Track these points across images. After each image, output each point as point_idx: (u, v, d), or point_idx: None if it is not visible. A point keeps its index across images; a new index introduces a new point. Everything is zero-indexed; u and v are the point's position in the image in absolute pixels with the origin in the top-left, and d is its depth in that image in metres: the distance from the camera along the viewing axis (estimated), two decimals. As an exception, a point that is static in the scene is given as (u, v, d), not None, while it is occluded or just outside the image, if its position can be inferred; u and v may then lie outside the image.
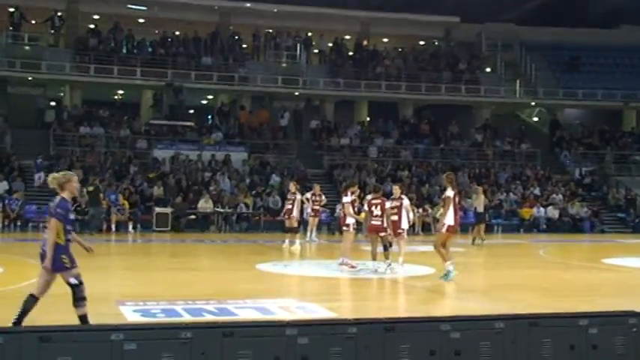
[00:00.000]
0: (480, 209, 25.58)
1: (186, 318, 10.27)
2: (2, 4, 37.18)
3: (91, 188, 27.71)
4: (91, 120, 35.22)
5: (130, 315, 10.38)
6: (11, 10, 36.66)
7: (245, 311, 10.86)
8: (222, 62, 38.38)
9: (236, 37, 40.33)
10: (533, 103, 43.28)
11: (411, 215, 17.19)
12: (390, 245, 16.38)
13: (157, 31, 39.88)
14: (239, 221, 30.56)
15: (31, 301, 8.89)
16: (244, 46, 40.86)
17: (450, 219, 14.56)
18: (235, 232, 29.49)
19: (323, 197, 25.06)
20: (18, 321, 8.72)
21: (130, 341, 6.72)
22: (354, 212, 17.14)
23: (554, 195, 35.12)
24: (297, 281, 15.79)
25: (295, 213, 22.34)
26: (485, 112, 42.00)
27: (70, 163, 31.45)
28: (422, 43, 45.41)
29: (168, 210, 29.08)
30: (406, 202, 16.95)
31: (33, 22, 37.48)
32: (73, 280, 8.76)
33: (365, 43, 42.81)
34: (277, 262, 18.38)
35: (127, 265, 18.27)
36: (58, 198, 8.81)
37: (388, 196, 17.85)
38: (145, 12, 40.05)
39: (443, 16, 42.97)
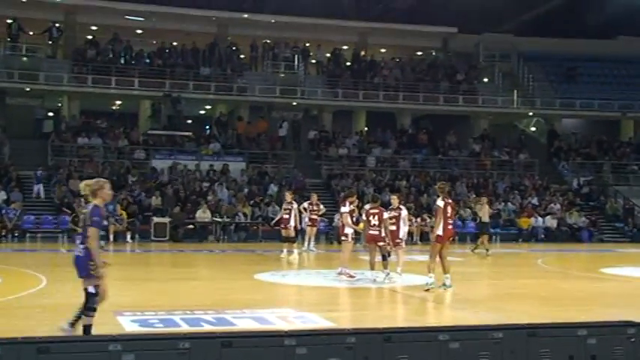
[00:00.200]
0: (485, 219, 25.43)
1: (185, 328, 10.27)
2: (0, 15, 37.24)
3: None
4: (89, 130, 35.22)
5: (128, 325, 10.38)
6: (9, 21, 36.71)
7: (243, 321, 10.85)
8: (220, 73, 38.42)
9: (234, 48, 40.39)
10: (530, 114, 43.34)
11: (406, 228, 17.11)
12: (389, 255, 16.38)
13: (154, 42, 39.94)
14: (237, 231, 30.54)
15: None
16: (242, 56, 40.93)
17: (439, 229, 14.58)
18: (233, 241, 29.46)
19: (321, 206, 25.05)
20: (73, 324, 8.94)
21: (127, 352, 6.72)
22: (353, 222, 17.14)
23: (552, 205, 35.14)
24: (296, 291, 15.77)
25: (292, 222, 22.31)
26: (483, 122, 42.07)
27: (68, 173, 31.48)
28: (420, 53, 45.53)
29: (167, 220, 29.08)
30: (404, 212, 16.98)
31: (31, 33, 37.52)
32: (91, 289, 8.88)
33: (363, 53, 42.90)
34: (275, 272, 18.35)
35: (125, 275, 18.20)
36: (90, 205, 8.95)
37: (386, 206, 17.85)
38: (143, 23, 40.13)
39: (441, 27, 43.07)
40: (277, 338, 7.30)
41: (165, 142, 35.51)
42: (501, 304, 14.04)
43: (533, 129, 45.77)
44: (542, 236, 33.37)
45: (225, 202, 31.44)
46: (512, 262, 23.49)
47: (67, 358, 6.62)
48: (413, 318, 12.51)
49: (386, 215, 16.28)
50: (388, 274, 15.92)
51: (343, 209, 17.04)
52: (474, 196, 34.77)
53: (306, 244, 24.72)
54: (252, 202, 31.78)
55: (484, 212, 25.28)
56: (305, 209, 24.18)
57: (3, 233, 27.69)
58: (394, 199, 17.25)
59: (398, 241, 16.63)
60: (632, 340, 8.01)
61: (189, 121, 39.14)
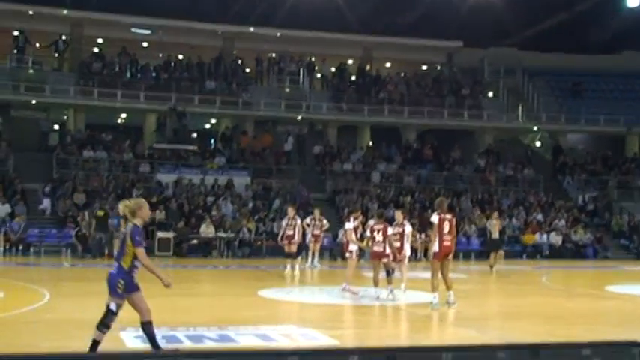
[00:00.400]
0: (495, 235, 25.19)
1: (187, 344, 10.25)
2: (7, 28, 37.41)
3: (101, 213, 27.78)
4: (94, 144, 35.25)
5: (131, 341, 10.35)
6: (16, 34, 36.85)
7: (246, 338, 10.82)
8: (225, 87, 38.51)
9: (239, 62, 40.52)
10: (535, 129, 43.32)
11: (408, 245, 17.03)
12: (393, 271, 16.32)
13: (160, 56, 40.05)
14: (241, 246, 30.44)
15: (147, 326, 9.17)
16: (247, 70, 41.04)
17: (435, 245, 14.57)
18: (237, 257, 29.40)
19: (324, 222, 24.89)
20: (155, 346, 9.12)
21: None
22: (357, 238, 17.10)
23: (557, 221, 35.02)
24: (299, 308, 15.73)
25: (297, 238, 22.30)
26: (488, 137, 42.02)
27: (73, 186, 31.50)
28: (425, 67, 45.56)
29: (171, 235, 29.04)
30: (408, 228, 16.92)
31: (37, 45, 37.71)
32: (112, 306, 9.01)
33: (368, 67, 42.97)
34: (279, 289, 18.31)
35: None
36: (130, 225, 9.13)
37: (391, 221, 17.80)
38: (149, 36, 40.27)
39: (446, 41, 43.14)
40: (280, 356, 7.26)
41: (170, 156, 35.52)
42: (505, 322, 13.98)
43: (538, 144, 45.72)
44: (547, 253, 33.25)
45: (229, 217, 31.41)
46: (516, 280, 23.41)
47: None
48: (416, 336, 12.46)
49: (390, 231, 16.23)
50: (392, 290, 15.87)
51: (348, 225, 17.02)
52: (479, 212, 34.71)
53: (309, 259, 24.66)
54: (256, 217, 31.72)
55: (494, 228, 25.05)
56: (308, 225, 24.09)
57: (7, 246, 27.68)
58: (398, 215, 17.20)
59: (402, 257, 16.57)
60: (637, 360, 7.95)
61: (195, 135, 39.18)
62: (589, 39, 43.88)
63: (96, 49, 39.50)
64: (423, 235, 30.03)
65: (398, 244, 16.41)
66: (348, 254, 17.17)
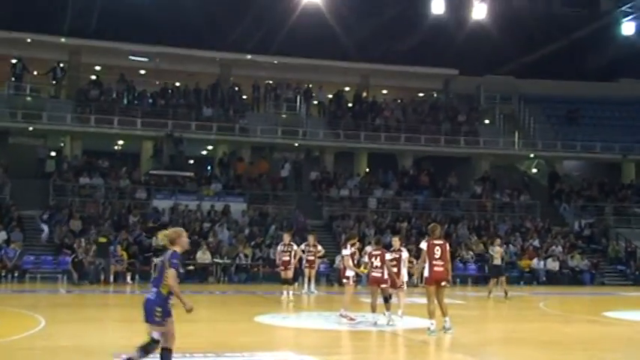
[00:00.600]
0: (497, 262, 25.04)
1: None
2: (5, 55, 37.56)
3: (103, 240, 27.70)
4: (90, 170, 35.25)
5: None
6: (14, 61, 37.02)
7: (243, 365, 10.75)
8: (222, 113, 38.62)
9: (236, 89, 40.67)
10: (532, 155, 43.42)
11: (405, 271, 16.98)
12: (390, 297, 16.29)
13: (157, 82, 40.21)
14: (238, 272, 30.38)
15: (166, 355, 9.24)
16: (244, 97, 41.18)
17: (425, 271, 14.61)
18: (234, 283, 29.31)
19: (319, 247, 24.83)
20: None
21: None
22: (354, 265, 17.08)
23: (553, 247, 35.00)
24: (296, 334, 15.65)
25: (293, 264, 22.30)
26: (485, 163, 42.08)
27: (69, 213, 31.45)
28: (421, 94, 45.79)
29: (167, 261, 28.86)
30: (405, 254, 16.91)
31: (35, 73, 37.82)
32: (155, 336, 9.18)
33: (364, 94, 43.13)
34: (276, 315, 18.24)
35: (124, 317, 18.13)
36: (169, 251, 9.28)
37: (388, 247, 17.78)
38: (147, 63, 40.46)
39: (442, 69, 43.41)
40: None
41: (167, 182, 35.52)
42: (502, 349, 13.94)
43: (534, 170, 45.81)
44: (544, 279, 33.19)
45: (225, 243, 31.35)
46: (513, 305, 23.33)
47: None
48: (414, 362, 12.40)
49: (388, 257, 16.22)
50: (390, 316, 15.83)
51: (345, 252, 16.99)
52: (476, 238, 34.73)
53: (305, 285, 24.59)
54: (252, 243, 31.68)
55: (497, 255, 24.94)
56: (303, 251, 24.05)
57: (3, 273, 27.53)
58: (395, 241, 17.19)
59: (399, 283, 16.55)
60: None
61: (191, 162, 39.23)
62: (585, 66, 44.17)
63: (93, 77, 39.64)
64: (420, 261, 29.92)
65: (395, 269, 16.40)
66: (345, 280, 17.12)
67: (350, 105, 42.34)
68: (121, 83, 38.57)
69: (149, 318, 9.13)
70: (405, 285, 17.15)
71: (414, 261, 28.02)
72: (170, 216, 32.94)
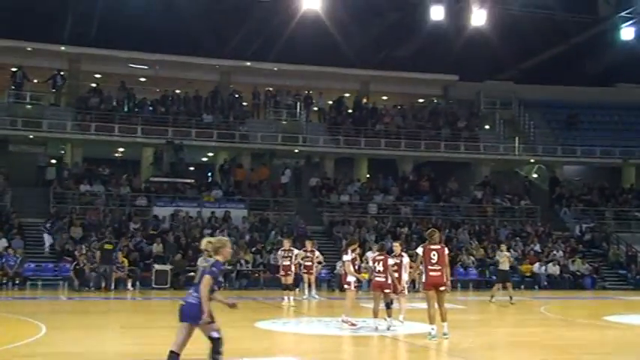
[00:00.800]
0: (504, 267, 24.91)
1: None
2: (5, 64, 37.61)
3: (109, 246, 27.71)
4: (91, 177, 35.28)
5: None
6: (14, 69, 37.07)
7: (244, 370, 10.75)
8: (222, 120, 38.66)
9: (236, 96, 40.69)
10: (532, 160, 43.43)
11: (406, 276, 16.98)
12: (392, 302, 16.30)
13: (158, 90, 40.25)
14: (239, 278, 30.41)
15: (173, 358, 9.43)
16: (245, 104, 41.20)
17: (422, 276, 14.65)
18: (235, 289, 29.30)
19: (316, 253, 24.76)
20: None
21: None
22: (355, 270, 17.08)
23: (554, 252, 35.00)
24: (297, 339, 15.66)
25: (293, 270, 22.35)
26: (485, 169, 42.10)
27: (69, 220, 31.47)
28: (421, 100, 45.80)
29: (168, 267, 28.97)
30: (406, 259, 16.91)
31: (35, 81, 37.87)
32: (215, 334, 9.33)
33: (364, 100, 43.15)
34: (277, 320, 18.24)
35: (125, 323, 18.14)
36: (212, 260, 9.52)
37: (390, 253, 17.78)
38: (147, 71, 40.51)
39: (442, 75, 43.47)
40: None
41: (167, 189, 35.54)
42: (504, 353, 13.94)
43: (534, 175, 45.83)
44: (545, 283, 33.18)
45: (226, 249, 31.28)
46: (515, 310, 23.31)
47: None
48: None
49: (391, 262, 16.24)
50: (391, 322, 15.83)
51: (345, 257, 16.99)
52: (476, 243, 34.76)
53: (306, 291, 24.58)
54: (253, 249, 31.69)
55: (504, 260, 24.89)
56: (301, 257, 24.04)
57: (4, 281, 27.55)
58: (396, 247, 17.20)
59: (400, 288, 16.56)
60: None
61: (192, 169, 39.24)
62: (584, 71, 44.19)
63: (93, 84, 39.68)
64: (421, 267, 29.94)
65: (396, 275, 16.42)
66: (346, 286, 17.12)
67: (350, 111, 42.37)
68: (121, 91, 38.62)
69: (198, 320, 9.29)
70: (406, 290, 17.16)
71: (414, 266, 28.16)
72: (170, 223, 32.95)
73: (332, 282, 30.16)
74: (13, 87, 36.80)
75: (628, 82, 45.21)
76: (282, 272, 22.42)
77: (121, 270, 28.12)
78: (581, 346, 14.98)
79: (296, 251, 23.06)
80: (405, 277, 16.85)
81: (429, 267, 14.52)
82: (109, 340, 14.89)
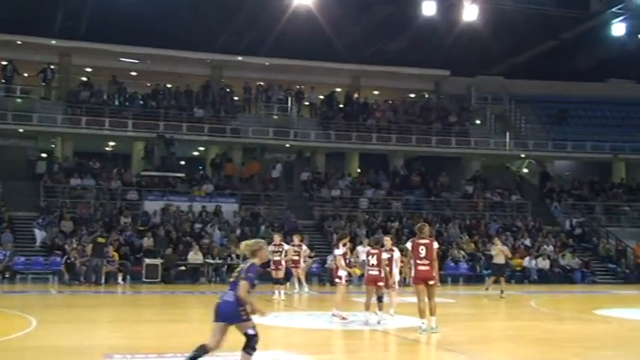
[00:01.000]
0: (498, 260, 25.02)
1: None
2: (-5, 57, 37.54)
3: (102, 240, 27.66)
4: (81, 171, 35.21)
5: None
6: (4, 63, 36.96)
7: (234, 364, 10.73)
8: (213, 114, 38.61)
9: (227, 90, 40.65)
10: (522, 155, 43.55)
11: (397, 270, 17.02)
12: (382, 296, 16.33)
13: (149, 84, 40.18)
14: (229, 272, 30.33)
15: (202, 350, 9.47)
16: (236, 98, 41.17)
17: (411, 270, 14.70)
18: (226, 283, 29.09)
19: (304, 247, 24.75)
20: None
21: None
22: (346, 264, 17.10)
23: (544, 246, 35.12)
24: (287, 333, 15.65)
25: (284, 264, 22.39)
26: (476, 163, 42.20)
27: (60, 214, 31.40)
28: (412, 95, 45.87)
29: (158, 261, 28.96)
30: (397, 254, 16.93)
31: (25, 74, 37.74)
32: (250, 331, 9.44)
33: (356, 95, 43.17)
34: (267, 314, 18.19)
35: (115, 317, 18.11)
36: (248, 262, 9.54)
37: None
38: (138, 65, 40.42)
39: (433, 70, 43.53)
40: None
41: (158, 183, 35.50)
42: (494, 347, 13.97)
43: (525, 170, 45.95)
44: (535, 277, 33.28)
45: (217, 243, 31.34)
46: (505, 304, 23.37)
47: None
48: (405, 360, 12.43)
49: (385, 256, 16.26)
50: (381, 315, 15.86)
51: (337, 251, 17.01)
52: (467, 237, 34.84)
53: (296, 285, 24.60)
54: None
55: (498, 254, 24.98)
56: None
57: (-7, 274, 27.52)
58: (387, 241, 17.21)
59: (391, 282, 16.59)
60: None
61: (183, 163, 39.20)
62: (575, 67, 44.29)
63: (84, 78, 39.56)
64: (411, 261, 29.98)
65: (387, 269, 16.45)
66: (337, 280, 17.14)
67: (341, 106, 42.40)
68: (112, 85, 38.54)
69: (235, 319, 9.33)
70: (397, 284, 17.19)
71: (406, 260, 28.23)
72: (161, 217, 32.91)
73: (323, 276, 30.17)
74: (3, 80, 36.73)
75: (619, 77, 45.44)
76: (272, 267, 22.42)
77: (112, 264, 28.08)
78: (571, 339, 15.03)
79: (286, 246, 23.04)
80: (396, 271, 16.88)
81: (418, 261, 14.56)
82: (99, 333, 14.87)
